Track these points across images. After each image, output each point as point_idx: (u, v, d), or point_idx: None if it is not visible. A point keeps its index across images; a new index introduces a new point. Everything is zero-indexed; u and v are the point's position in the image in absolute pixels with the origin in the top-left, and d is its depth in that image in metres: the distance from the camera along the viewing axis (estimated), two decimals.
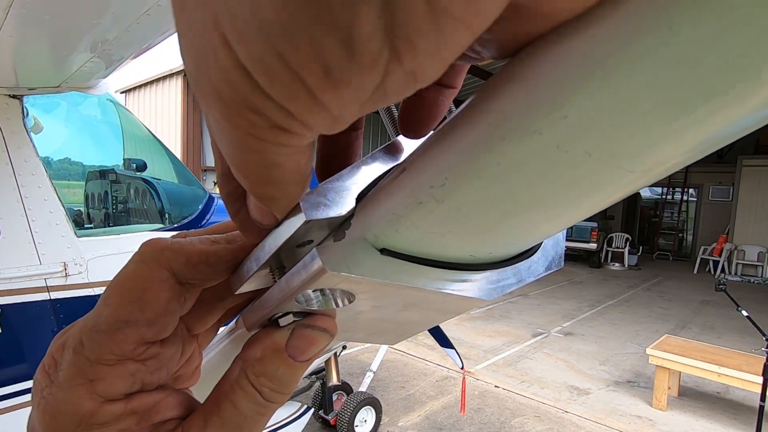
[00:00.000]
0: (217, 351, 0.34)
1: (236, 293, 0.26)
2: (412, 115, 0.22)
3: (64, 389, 0.21)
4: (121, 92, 13.13)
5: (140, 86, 12.71)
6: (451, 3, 0.10)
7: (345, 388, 3.72)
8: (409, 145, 0.24)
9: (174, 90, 11.44)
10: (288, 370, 0.23)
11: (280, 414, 2.76)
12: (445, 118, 0.23)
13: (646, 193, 17.74)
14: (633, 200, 16.21)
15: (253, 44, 0.11)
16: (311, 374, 3.25)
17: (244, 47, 0.12)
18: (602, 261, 12.89)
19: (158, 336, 0.23)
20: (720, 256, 12.64)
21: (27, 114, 2.00)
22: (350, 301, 0.22)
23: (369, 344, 5.23)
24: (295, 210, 0.21)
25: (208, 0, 0.12)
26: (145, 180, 3.00)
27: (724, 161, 13.90)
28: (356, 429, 3.38)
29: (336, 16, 0.10)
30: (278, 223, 0.23)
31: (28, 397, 1.89)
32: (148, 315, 0.22)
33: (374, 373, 3.78)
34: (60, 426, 0.21)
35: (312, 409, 3.17)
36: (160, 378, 0.24)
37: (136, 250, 0.24)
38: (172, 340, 0.24)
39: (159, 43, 1.63)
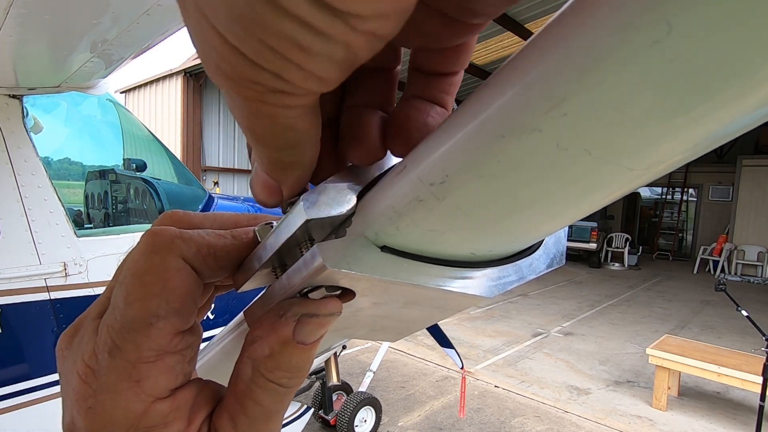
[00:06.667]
0: (219, 348, 0.34)
1: (239, 291, 0.26)
2: (402, 132, 0.23)
3: (112, 395, 0.21)
4: (121, 92, 13.12)
5: (140, 86, 12.71)
6: None
7: (345, 388, 3.72)
8: None
9: (174, 90, 11.43)
10: (302, 356, 0.23)
11: None
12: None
13: (646, 193, 17.73)
14: (633, 200, 16.20)
15: (236, 32, 0.14)
16: (311, 374, 3.24)
17: (230, 34, 0.14)
18: (602, 261, 12.89)
19: (187, 324, 0.23)
20: (720, 256, 12.63)
21: (27, 114, 2.00)
22: None
23: (369, 344, 5.23)
24: (296, 208, 0.21)
25: (198, 0, 0.14)
26: (145, 180, 3.00)
27: (724, 161, 13.89)
28: (356, 429, 3.38)
29: (285, 5, 0.13)
30: (280, 223, 0.23)
31: (28, 397, 1.89)
32: (176, 305, 0.22)
33: (374, 373, 3.78)
34: None
35: (312, 409, 3.17)
36: (192, 367, 0.24)
37: (140, 239, 0.23)
38: (195, 326, 0.24)
39: (159, 43, 1.63)
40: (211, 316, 2.50)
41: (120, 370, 0.21)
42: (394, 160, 0.24)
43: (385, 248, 0.20)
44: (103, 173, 3.16)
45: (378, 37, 0.15)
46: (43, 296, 1.94)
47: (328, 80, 0.16)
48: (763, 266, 12.18)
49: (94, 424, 0.21)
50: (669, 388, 4.29)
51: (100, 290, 2.14)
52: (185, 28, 0.17)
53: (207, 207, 2.77)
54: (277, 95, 0.16)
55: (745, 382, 3.62)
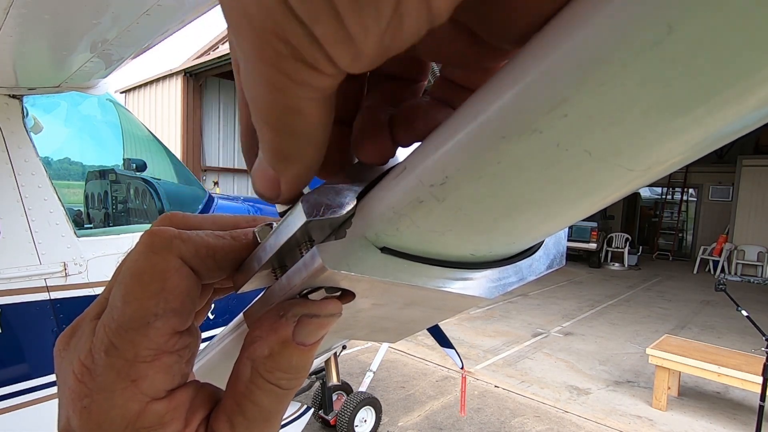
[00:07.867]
0: (219, 349, 0.34)
1: (239, 292, 0.26)
2: (407, 125, 0.23)
3: (107, 394, 0.21)
4: (121, 92, 13.13)
5: (140, 86, 12.72)
6: None
7: (345, 388, 3.72)
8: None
9: (174, 90, 11.44)
10: (301, 357, 0.22)
11: None
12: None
13: (646, 193, 17.73)
14: (633, 200, 16.19)
15: None
16: (311, 374, 3.24)
17: None
18: (602, 261, 12.88)
19: (185, 324, 0.23)
20: (720, 256, 12.63)
21: (27, 114, 2.00)
22: None
23: (369, 344, 5.23)
24: (295, 209, 0.21)
25: None
26: (145, 180, 3.00)
27: (724, 161, 13.89)
28: (356, 429, 3.38)
29: None
30: (279, 225, 0.23)
31: (28, 397, 1.90)
32: (174, 305, 0.22)
33: (374, 373, 3.78)
34: None
35: (312, 409, 3.17)
36: (190, 369, 0.24)
37: (139, 240, 0.23)
38: (193, 328, 0.24)
39: (159, 43, 1.63)
40: (211, 317, 2.50)
41: (116, 369, 0.21)
42: (395, 161, 0.24)
43: (385, 249, 0.20)
44: (103, 173, 3.16)
45: (432, 12, 0.13)
46: (43, 296, 1.94)
47: (363, 57, 0.14)
48: (763, 266, 12.17)
49: (90, 424, 0.21)
50: (669, 388, 4.29)
51: (100, 290, 2.14)
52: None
53: (207, 207, 2.77)
54: (299, 66, 0.15)
55: (745, 382, 3.62)
